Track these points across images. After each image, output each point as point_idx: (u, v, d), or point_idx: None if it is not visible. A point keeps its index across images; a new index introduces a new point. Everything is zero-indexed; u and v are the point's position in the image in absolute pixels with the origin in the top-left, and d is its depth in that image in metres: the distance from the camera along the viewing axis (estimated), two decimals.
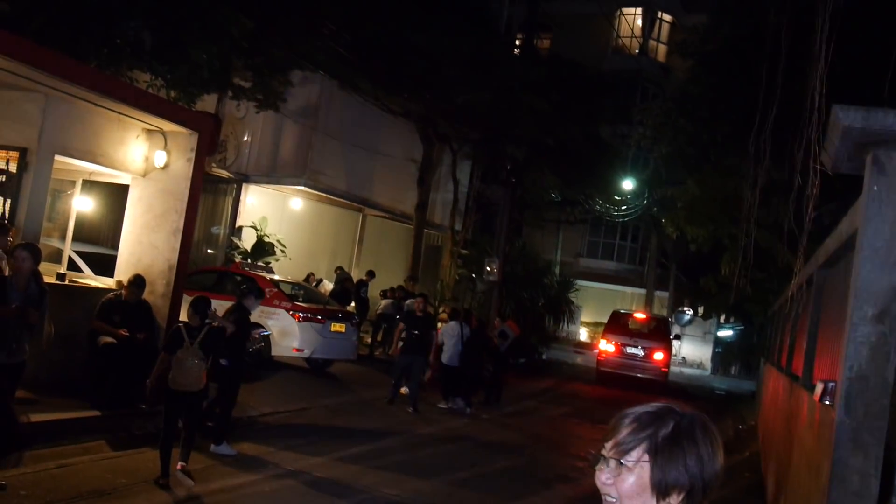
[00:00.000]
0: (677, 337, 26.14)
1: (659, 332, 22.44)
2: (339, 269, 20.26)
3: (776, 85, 5.30)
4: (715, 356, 33.67)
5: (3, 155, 9.03)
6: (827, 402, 4.62)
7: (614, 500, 1.59)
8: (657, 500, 1.56)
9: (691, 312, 32.31)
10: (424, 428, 11.53)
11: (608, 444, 1.61)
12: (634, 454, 1.57)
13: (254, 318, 13.41)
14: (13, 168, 8.88)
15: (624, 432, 1.60)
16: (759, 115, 5.65)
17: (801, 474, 5.67)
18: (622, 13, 37.73)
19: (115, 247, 10.33)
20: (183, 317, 10.06)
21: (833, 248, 5.43)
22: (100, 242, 11.46)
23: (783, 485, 7.23)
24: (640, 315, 24.90)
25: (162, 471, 6.92)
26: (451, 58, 18.50)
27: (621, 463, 1.57)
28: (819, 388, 4.81)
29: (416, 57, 18.35)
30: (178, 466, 7.02)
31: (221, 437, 8.35)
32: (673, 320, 29.69)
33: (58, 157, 9.15)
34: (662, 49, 37.56)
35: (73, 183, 10.78)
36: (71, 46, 10.51)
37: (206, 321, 7.29)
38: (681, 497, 1.56)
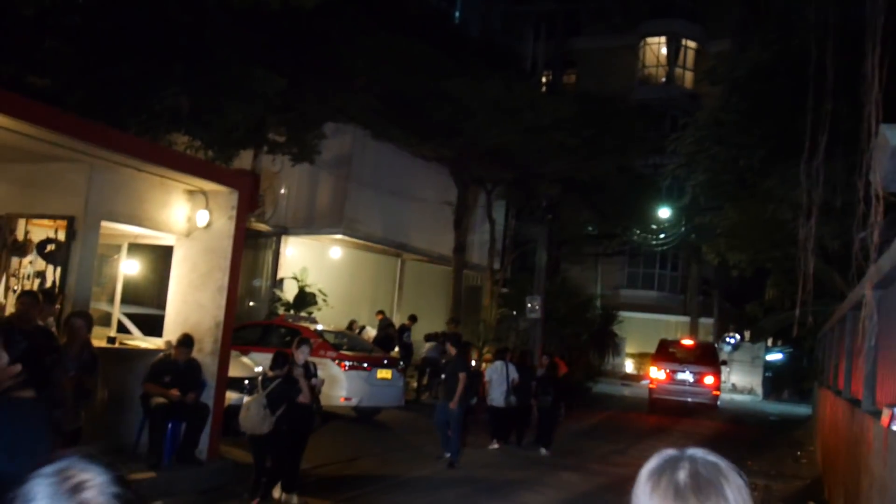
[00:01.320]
0: (724, 363, 25.78)
1: (707, 357, 22.79)
2: (381, 313, 20.33)
3: (823, 110, 5.26)
4: (765, 381, 32.95)
5: (52, 224, 9.26)
6: None
7: None
8: None
9: (738, 337, 31.79)
10: (481, 471, 11.41)
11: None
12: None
13: None
14: (62, 236, 9.08)
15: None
16: (807, 140, 5.59)
17: (872, 502, 5.51)
18: (646, 43, 37.94)
19: (163, 307, 10.46)
20: (231, 372, 10.26)
21: (888, 268, 5.33)
22: (147, 304, 11.64)
23: None
24: (687, 342, 25.28)
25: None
26: (480, 101, 18.67)
27: None
28: (887, 413, 4.69)
29: (445, 102, 18.55)
30: (255, 502, 7.95)
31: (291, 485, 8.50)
32: (720, 347, 29.23)
33: (104, 223, 9.35)
34: (689, 76, 37.52)
35: (119, 247, 10.98)
36: (110, 115, 10.81)
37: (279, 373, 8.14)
38: None
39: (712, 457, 1.52)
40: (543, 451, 13.38)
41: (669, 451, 1.54)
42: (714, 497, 1.46)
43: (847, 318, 9.27)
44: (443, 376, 12.54)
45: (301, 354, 8.72)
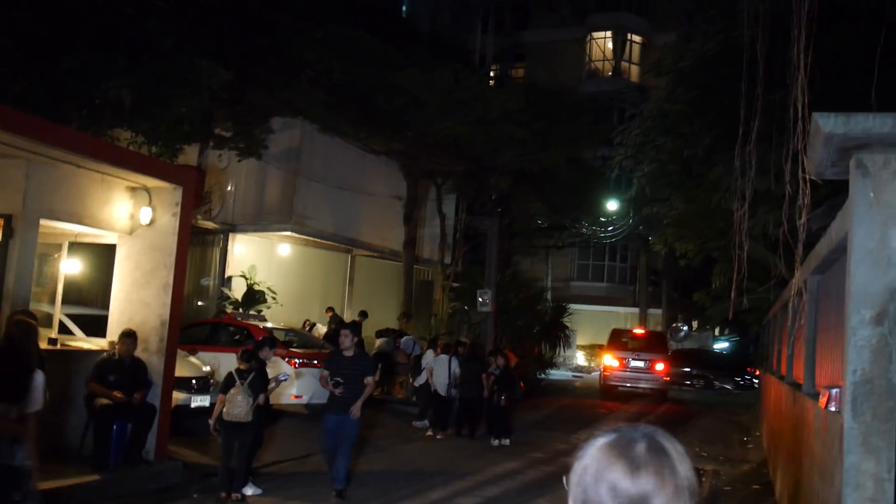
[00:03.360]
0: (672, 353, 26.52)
1: (658, 346, 24.23)
2: (331, 310, 20.19)
3: (756, 96, 5.35)
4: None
5: None
6: (833, 409, 4.61)
7: None
8: None
9: (686, 328, 32.32)
10: (428, 464, 11.42)
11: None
12: (570, 478, 1.56)
13: None
14: None
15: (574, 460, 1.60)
16: (741, 127, 5.69)
17: (814, 483, 5.64)
18: (593, 38, 38.29)
19: (106, 307, 10.25)
20: (179, 372, 10.13)
21: (825, 254, 5.45)
22: (90, 304, 11.37)
23: (795, 495, 7.19)
24: (638, 331, 26.62)
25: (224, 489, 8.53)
26: (429, 93, 18.64)
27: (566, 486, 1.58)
28: (824, 395, 4.80)
29: (395, 95, 18.49)
30: (233, 497, 8.44)
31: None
32: (669, 336, 29.71)
33: (43, 222, 9.12)
34: (635, 70, 38.01)
35: (60, 246, 10.73)
36: (51, 109, 10.54)
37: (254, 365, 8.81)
38: None
39: (662, 434, 1.56)
40: (506, 441, 13.65)
41: (624, 428, 1.58)
42: (668, 469, 1.50)
43: (789, 305, 9.48)
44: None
45: (266, 353, 9.30)
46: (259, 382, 8.80)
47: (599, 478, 1.50)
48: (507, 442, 13.58)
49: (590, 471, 1.52)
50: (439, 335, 17.17)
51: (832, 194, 6.03)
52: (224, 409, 8.56)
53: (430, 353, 15.28)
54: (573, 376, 31.32)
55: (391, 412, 16.12)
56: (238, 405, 8.54)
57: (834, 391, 4.56)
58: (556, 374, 27.84)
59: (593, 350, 33.61)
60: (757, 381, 24.72)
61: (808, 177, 4.18)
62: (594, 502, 1.49)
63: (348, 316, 21.33)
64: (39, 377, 5.42)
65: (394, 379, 18.33)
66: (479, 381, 14.19)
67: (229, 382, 8.69)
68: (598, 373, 27.23)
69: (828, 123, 3.97)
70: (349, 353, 8.99)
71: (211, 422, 8.80)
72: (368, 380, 8.99)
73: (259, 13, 13.96)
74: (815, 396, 5.75)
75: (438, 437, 13.89)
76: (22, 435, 5.10)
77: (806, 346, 6.75)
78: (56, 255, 10.86)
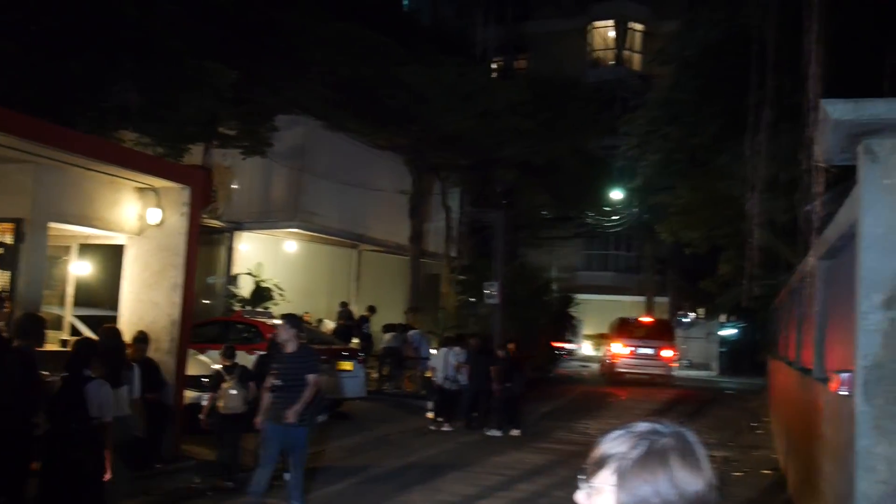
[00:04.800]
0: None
1: (664, 333, 24.78)
2: (343, 304, 20.28)
3: (766, 85, 5.37)
4: (721, 356, 33.51)
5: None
6: (844, 393, 4.64)
7: None
8: None
9: (692, 315, 32.29)
10: (443, 457, 11.47)
11: (587, 466, 1.58)
12: (602, 476, 1.53)
13: None
14: (9, 240, 8.89)
15: (598, 454, 1.57)
16: (750, 116, 5.71)
17: (825, 467, 5.67)
18: (594, 27, 38.19)
19: (116, 308, 10.31)
20: (189, 371, 10.20)
21: (833, 239, 5.47)
22: (100, 305, 11.44)
23: (806, 479, 7.21)
24: (645, 319, 26.88)
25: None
26: (433, 88, 18.66)
27: (592, 485, 1.54)
28: (835, 379, 4.82)
29: (399, 90, 18.50)
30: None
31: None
32: (675, 325, 29.72)
33: (52, 225, 9.18)
34: (637, 58, 37.90)
35: (69, 248, 10.79)
36: (58, 113, 10.58)
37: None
38: None
39: (689, 431, 1.58)
40: (516, 431, 13.79)
41: (645, 424, 1.58)
42: (695, 464, 1.52)
43: (796, 290, 9.49)
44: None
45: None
46: (247, 374, 9.28)
47: (664, 479, 1.49)
48: (516, 432, 13.65)
49: (648, 473, 1.50)
50: (466, 334, 16.89)
51: (839, 180, 6.04)
52: (220, 404, 8.96)
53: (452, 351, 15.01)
54: (580, 366, 31.33)
55: (401, 406, 16.17)
56: (232, 398, 8.91)
57: (845, 375, 4.58)
58: (563, 363, 27.90)
59: (601, 340, 33.60)
60: None
61: (819, 164, 4.20)
62: None
63: (357, 311, 21.38)
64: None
65: (403, 373, 18.38)
66: (488, 373, 14.29)
67: (218, 380, 9.15)
68: (602, 360, 27.58)
69: (836, 110, 3.98)
70: (290, 349, 7.62)
71: (202, 416, 9.27)
72: (311, 378, 7.54)
73: (263, 12, 13.97)
74: (826, 381, 5.77)
75: (444, 428, 13.92)
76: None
77: (816, 331, 6.77)
78: (65, 258, 10.93)
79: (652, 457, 1.51)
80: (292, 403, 7.36)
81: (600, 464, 1.54)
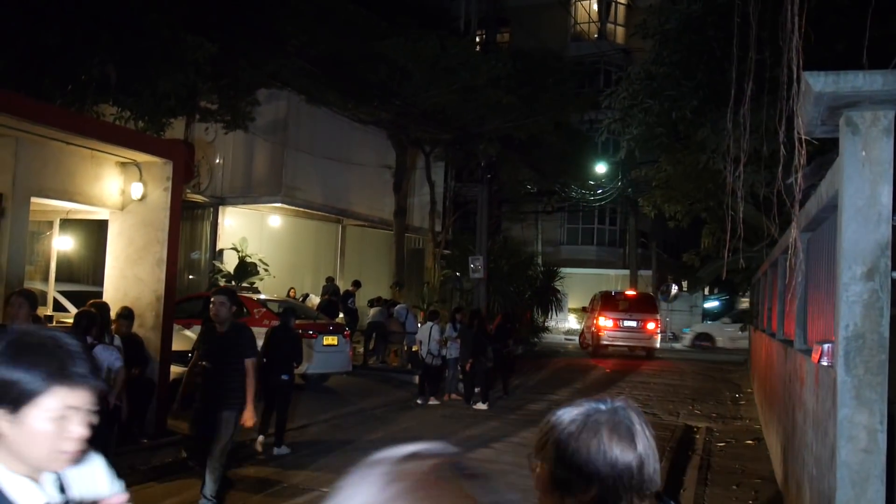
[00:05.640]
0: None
1: (648, 306, 25.29)
2: (329, 279, 20.28)
3: (747, 57, 5.38)
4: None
5: None
6: (826, 364, 4.71)
7: (536, 496, 1.62)
8: (563, 496, 1.56)
9: (676, 289, 32.52)
10: (430, 432, 11.56)
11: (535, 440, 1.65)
12: (542, 452, 1.60)
13: None
14: None
15: (540, 431, 1.64)
16: (733, 88, 5.72)
17: (807, 436, 5.76)
18: (577, 0, 38.03)
19: (99, 283, 10.28)
20: (174, 346, 10.18)
21: (815, 211, 5.52)
22: (83, 280, 11.42)
23: (788, 448, 7.33)
24: (629, 292, 27.44)
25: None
26: (416, 62, 18.56)
27: (535, 460, 1.61)
28: (817, 350, 4.89)
29: (381, 64, 18.39)
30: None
31: None
32: (660, 297, 29.98)
33: (34, 200, 9.11)
34: (621, 31, 37.82)
35: (51, 223, 10.72)
36: (35, 87, 10.45)
37: None
38: (591, 492, 1.54)
39: (630, 403, 1.65)
40: (483, 405, 13.86)
41: (587, 401, 1.66)
42: (628, 438, 1.58)
43: (778, 263, 9.59)
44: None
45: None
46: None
47: (595, 450, 1.55)
48: (483, 406, 13.76)
49: (581, 444, 1.56)
50: (460, 308, 17.13)
51: (819, 152, 6.08)
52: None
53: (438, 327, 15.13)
54: (565, 339, 31.55)
55: (387, 381, 16.25)
56: None
57: (826, 346, 4.65)
58: (548, 337, 28.10)
59: (585, 313, 33.83)
60: None
61: (801, 136, 4.23)
62: (586, 475, 1.54)
63: (342, 286, 21.40)
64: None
65: (388, 348, 18.46)
66: (483, 347, 14.54)
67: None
68: (581, 333, 28.01)
69: (818, 83, 4.01)
70: (222, 329, 6.87)
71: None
72: (248, 363, 6.81)
73: None
74: (808, 352, 5.85)
75: (430, 402, 14.01)
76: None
77: (797, 302, 6.85)
78: (48, 233, 10.87)
79: (586, 430, 1.57)
80: (226, 391, 6.74)
81: (542, 440, 1.61)
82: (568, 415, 1.62)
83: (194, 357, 7.41)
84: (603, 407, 1.61)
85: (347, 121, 21.60)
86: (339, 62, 17.86)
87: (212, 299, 6.96)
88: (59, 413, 1.63)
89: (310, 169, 21.22)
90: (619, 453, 1.54)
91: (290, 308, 12.63)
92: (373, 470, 1.29)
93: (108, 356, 7.13)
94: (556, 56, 26.33)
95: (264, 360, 9.65)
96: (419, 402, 13.98)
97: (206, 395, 6.87)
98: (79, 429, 1.66)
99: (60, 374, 1.62)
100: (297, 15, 16.06)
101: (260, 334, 13.33)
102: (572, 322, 35.62)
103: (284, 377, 9.93)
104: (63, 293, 11.08)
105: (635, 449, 1.55)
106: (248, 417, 6.76)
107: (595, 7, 38.12)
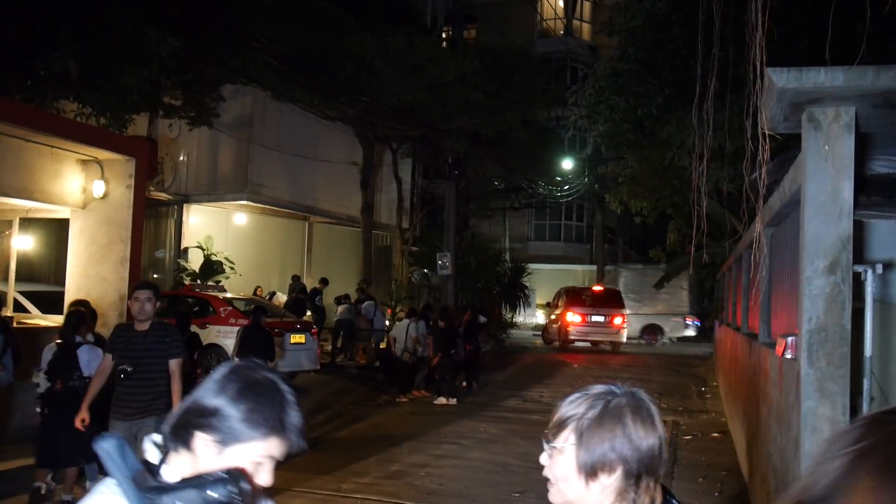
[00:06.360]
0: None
1: (615, 301, 25.52)
2: (295, 277, 20.15)
3: (711, 55, 5.42)
4: None
5: None
6: (790, 357, 4.76)
7: (552, 482, 1.63)
8: (586, 481, 1.58)
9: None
10: (398, 429, 11.53)
11: (547, 429, 1.67)
12: (562, 436, 1.61)
13: (211, 338, 13.33)
14: None
15: (556, 416, 1.65)
16: (697, 85, 5.77)
17: (771, 429, 5.83)
18: None
19: (61, 283, 10.11)
20: None
21: (778, 207, 5.58)
22: (44, 280, 11.21)
23: (753, 441, 7.42)
24: (596, 288, 27.75)
25: None
26: (383, 58, 18.49)
27: (554, 446, 1.62)
28: (780, 343, 4.95)
29: (348, 60, 18.29)
30: None
31: None
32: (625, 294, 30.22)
33: None
34: (587, 28, 38.00)
35: (10, 223, 10.52)
36: None
37: None
38: (613, 477, 1.57)
39: (639, 389, 1.69)
40: (452, 400, 13.98)
41: (600, 386, 1.69)
42: (649, 421, 1.62)
43: (743, 257, 9.70)
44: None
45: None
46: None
47: (621, 434, 1.58)
48: (453, 401, 13.82)
49: (605, 430, 1.58)
50: (429, 305, 17.32)
51: (783, 148, 6.15)
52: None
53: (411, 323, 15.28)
54: (533, 335, 31.66)
55: (355, 378, 16.19)
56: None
57: (790, 339, 4.70)
58: (516, 333, 28.17)
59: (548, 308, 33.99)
60: None
61: (765, 132, 4.26)
62: (612, 460, 1.57)
63: (309, 283, 21.26)
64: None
65: (356, 345, 18.39)
66: (456, 343, 14.62)
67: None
68: (545, 328, 28.39)
69: (780, 79, 4.05)
70: (143, 327, 6.07)
71: None
72: (173, 365, 6.07)
73: None
74: (772, 346, 5.92)
75: (399, 400, 14.02)
76: None
77: (762, 296, 6.93)
78: (7, 232, 10.65)
79: (608, 415, 1.60)
80: (152, 397, 6.02)
81: (560, 426, 1.61)
82: (584, 401, 1.64)
83: (104, 361, 6.24)
84: (619, 391, 1.64)
85: (314, 117, 21.44)
86: (305, 58, 17.72)
87: (135, 294, 6.09)
88: (261, 460, 1.61)
89: (276, 166, 21.04)
90: (644, 436, 1.58)
91: (261, 306, 12.57)
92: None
93: (95, 357, 7.04)
94: (523, 53, 26.39)
95: (237, 359, 9.56)
96: (387, 398, 13.98)
97: (127, 404, 6.02)
98: (267, 477, 1.63)
99: (280, 425, 1.62)
100: (264, 10, 15.92)
101: (228, 333, 13.38)
102: (540, 318, 35.73)
103: None
104: (24, 293, 10.88)
105: (657, 432, 1.60)
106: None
107: (561, 4, 38.27)
